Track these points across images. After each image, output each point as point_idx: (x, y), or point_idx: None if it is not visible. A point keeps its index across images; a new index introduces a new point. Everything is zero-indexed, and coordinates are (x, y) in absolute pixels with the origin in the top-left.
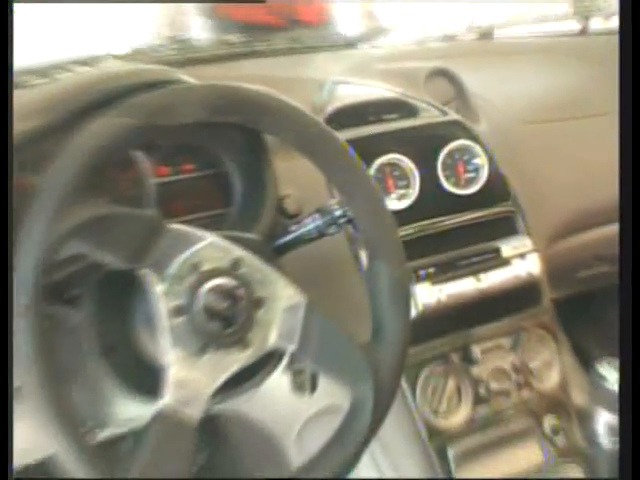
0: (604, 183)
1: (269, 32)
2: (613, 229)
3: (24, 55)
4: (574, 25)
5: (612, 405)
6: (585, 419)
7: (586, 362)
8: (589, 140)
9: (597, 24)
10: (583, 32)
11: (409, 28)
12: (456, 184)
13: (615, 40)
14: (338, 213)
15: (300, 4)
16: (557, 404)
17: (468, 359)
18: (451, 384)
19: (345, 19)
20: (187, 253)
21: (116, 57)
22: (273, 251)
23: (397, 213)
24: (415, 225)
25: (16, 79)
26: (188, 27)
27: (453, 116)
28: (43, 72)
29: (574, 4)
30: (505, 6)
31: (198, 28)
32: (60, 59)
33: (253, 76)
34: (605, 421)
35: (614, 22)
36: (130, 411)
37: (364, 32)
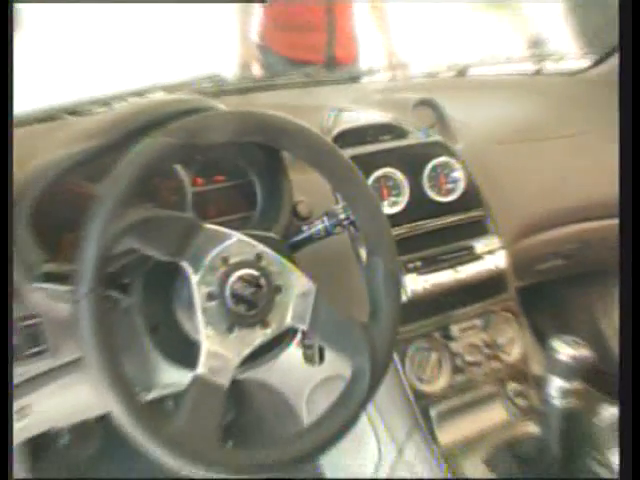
0: (558, 193)
1: (310, 67)
2: (565, 230)
3: (90, 88)
4: (531, 66)
5: (562, 373)
6: (541, 384)
7: (542, 338)
8: (545, 158)
9: (550, 66)
10: (538, 72)
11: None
12: (438, 193)
13: (563, 80)
14: (342, 216)
15: (337, 45)
16: (519, 372)
17: (448, 336)
18: (434, 356)
19: (371, 56)
20: (218, 248)
21: (162, 89)
22: (289, 247)
23: (390, 216)
24: (405, 226)
25: (82, 108)
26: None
27: (436, 137)
28: (103, 102)
29: (530, 51)
30: (477, 50)
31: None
32: (116, 91)
33: (273, 104)
34: (557, 386)
35: (562, 65)
36: (171, 378)
37: (366, 69)
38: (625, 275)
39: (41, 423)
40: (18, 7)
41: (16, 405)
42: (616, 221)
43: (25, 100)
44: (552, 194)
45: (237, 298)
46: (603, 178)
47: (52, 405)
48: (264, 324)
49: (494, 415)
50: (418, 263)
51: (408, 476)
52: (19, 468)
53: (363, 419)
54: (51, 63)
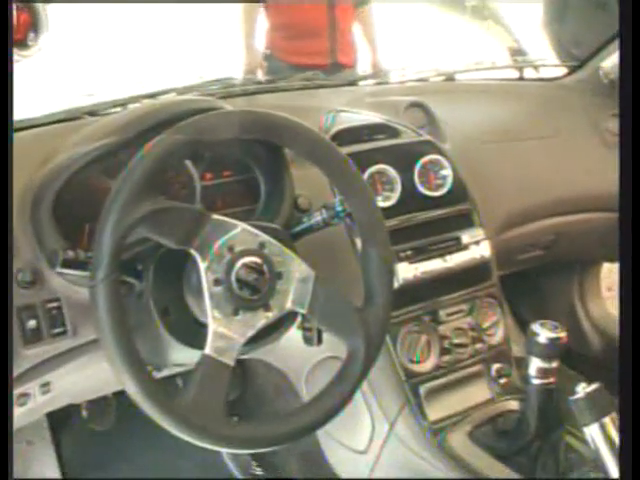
0: (536, 190)
1: (314, 71)
2: (543, 223)
3: (107, 91)
4: (514, 73)
5: (541, 354)
6: (521, 365)
7: (522, 323)
8: (525, 157)
9: (530, 73)
10: (520, 79)
11: (395, 72)
12: (428, 188)
13: (542, 86)
14: (339, 208)
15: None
16: (501, 354)
17: (436, 320)
18: (423, 339)
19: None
20: (225, 237)
21: (173, 91)
22: (290, 237)
23: (384, 209)
24: (398, 219)
25: (100, 109)
26: (257, 70)
27: (426, 137)
28: (120, 103)
29: (513, 58)
30: (464, 57)
31: (263, 69)
32: (132, 94)
33: (276, 106)
34: (536, 366)
35: (542, 73)
36: (181, 357)
37: (362, 74)
38: (625, 268)
39: (61, 398)
40: (44, 11)
41: (38, 382)
42: (588, 215)
43: (47, 102)
44: (531, 190)
45: (242, 283)
46: (577, 175)
47: (71, 382)
48: (267, 308)
49: (478, 393)
50: (409, 252)
51: (400, 448)
52: (41, 439)
53: (358, 396)
54: (73, 67)
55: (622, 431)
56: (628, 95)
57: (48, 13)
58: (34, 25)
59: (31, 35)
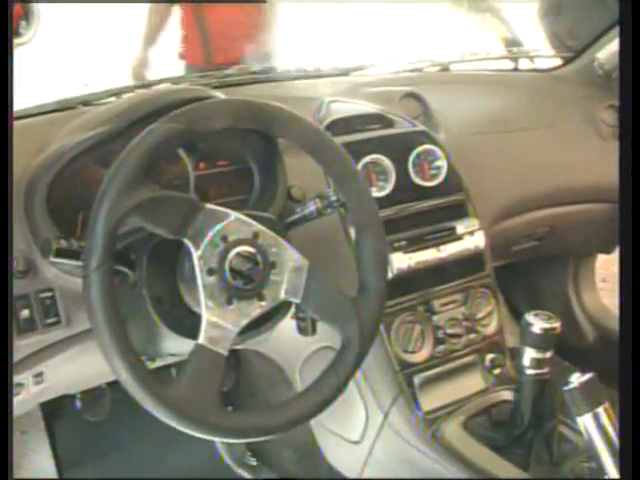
0: (531, 180)
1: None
2: (538, 214)
3: (103, 81)
4: (509, 64)
5: (535, 344)
6: (515, 355)
7: (516, 313)
8: (519, 147)
9: (525, 64)
10: (515, 69)
11: (389, 62)
12: (422, 178)
13: (537, 76)
14: (333, 198)
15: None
16: (495, 344)
17: (430, 310)
18: (417, 329)
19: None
20: (218, 227)
21: (167, 81)
22: (284, 227)
23: (378, 199)
24: (392, 209)
25: (94, 98)
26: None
27: (420, 127)
28: (114, 93)
29: (508, 49)
30: (459, 48)
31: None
32: (126, 84)
33: (270, 96)
34: (529, 357)
35: (537, 64)
36: (174, 347)
37: (355, 64)
38: (625, 259)
39: (55, 389)
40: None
41: (32, 372)
42: (583, 206)
43: (41, 92)
44: (526, 181)
45: (235, 273)
46: (571, 166)
47: (65, 372)
48: (260, 297)
49: (472, 383)
50: (403, 242)
51: (394, 438)
52: (35, 429)
53: (352, 386)
54: (67, 57)
55: (622, 423)
56: (628, 85)
57: (40, 2)
58: (25, 14)
59: (22, 23)
